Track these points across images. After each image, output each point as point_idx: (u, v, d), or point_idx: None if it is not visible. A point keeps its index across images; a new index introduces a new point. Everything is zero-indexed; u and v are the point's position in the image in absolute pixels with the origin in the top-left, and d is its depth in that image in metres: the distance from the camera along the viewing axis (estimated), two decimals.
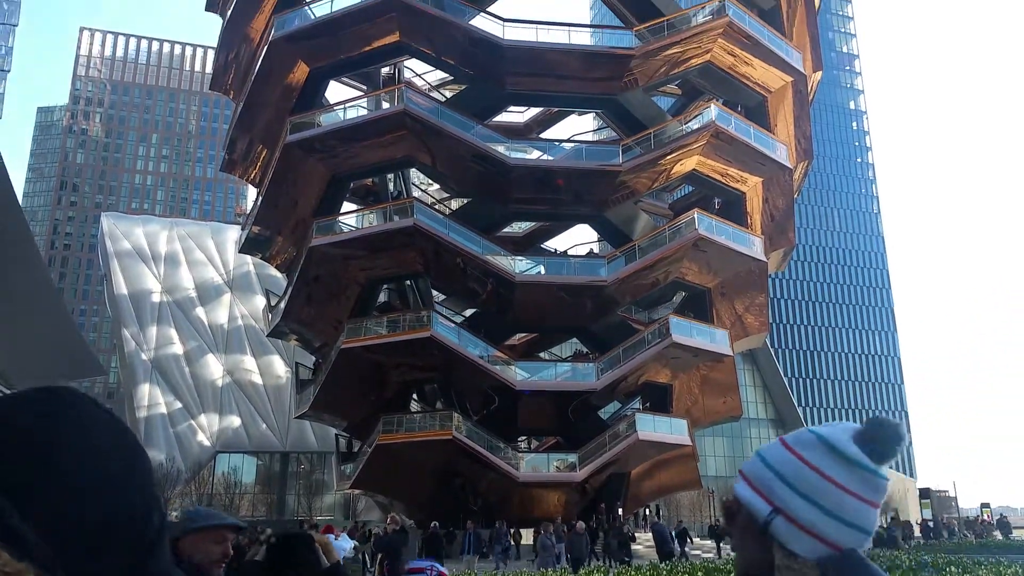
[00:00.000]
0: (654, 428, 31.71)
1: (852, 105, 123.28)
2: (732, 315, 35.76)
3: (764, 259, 34.02)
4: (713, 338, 33.30)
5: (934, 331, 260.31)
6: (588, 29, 35.31)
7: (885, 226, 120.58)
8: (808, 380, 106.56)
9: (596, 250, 39.79)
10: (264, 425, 61.45)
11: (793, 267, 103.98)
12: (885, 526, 34.94)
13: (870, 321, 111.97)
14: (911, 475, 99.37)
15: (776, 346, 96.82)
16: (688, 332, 32.08)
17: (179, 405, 60.64)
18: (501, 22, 30.96)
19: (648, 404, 34.28)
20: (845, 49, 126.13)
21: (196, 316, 65.15)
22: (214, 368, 63.06)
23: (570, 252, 39.66)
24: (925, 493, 55.92)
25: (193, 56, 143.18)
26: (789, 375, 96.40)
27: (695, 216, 31.52)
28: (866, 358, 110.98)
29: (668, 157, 31.61)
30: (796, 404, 68.98)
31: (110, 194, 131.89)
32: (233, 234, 64.64)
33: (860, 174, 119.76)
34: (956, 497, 68.50)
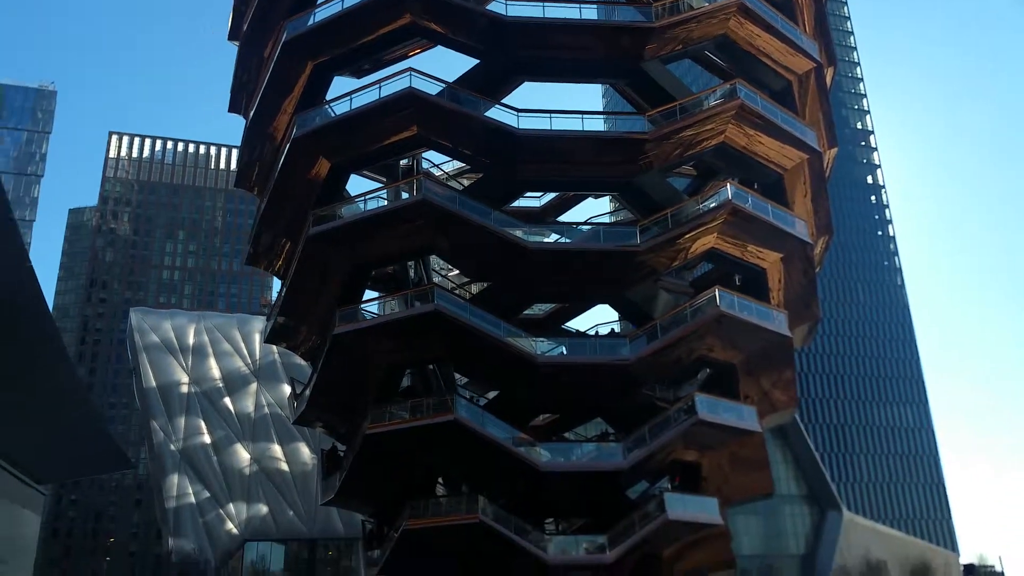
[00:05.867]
0: (684, 508, 31.13)
1: (870, 180, 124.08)
2: (759, 391, 35.37)
3: (788, 334, 33.82)
4: (740, 415, 32.90)
5: (967, 399, 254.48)
6: (601, 116, 36.05)
7: (910, 297, 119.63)
8: (841, 455, 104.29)
9: (618, 329, 39.85)
10: (291, 512, 61.10)
11: (819, 341, 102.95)
12: None
13: (900, 393, 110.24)
14: (953, 549, 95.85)
15: (806, 421, 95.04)
16: (714, 409, 31.77)
17: (207, 495, 60.68)
18: (516, 113, 31.76)
19: (677, 483, 33.75)
20: (859, 126, 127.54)
21: (224, 406, 65.66)
22: (241, 457, 63.29)
23: (591, 332, 39.74)
24: (970, 569, 53.92)
25: (218, 155, 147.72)
26: (821, 450, 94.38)
27: (716, 293, 31.55)
28: (899, 431, 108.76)
29: (686, 236, 31.90)
30: (829, 480, 67.29)
31: (139, 290, 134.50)
32: (259, 325, 65.68)
33: (882, 247, 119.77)
34: (1003, 572, 65.78)
